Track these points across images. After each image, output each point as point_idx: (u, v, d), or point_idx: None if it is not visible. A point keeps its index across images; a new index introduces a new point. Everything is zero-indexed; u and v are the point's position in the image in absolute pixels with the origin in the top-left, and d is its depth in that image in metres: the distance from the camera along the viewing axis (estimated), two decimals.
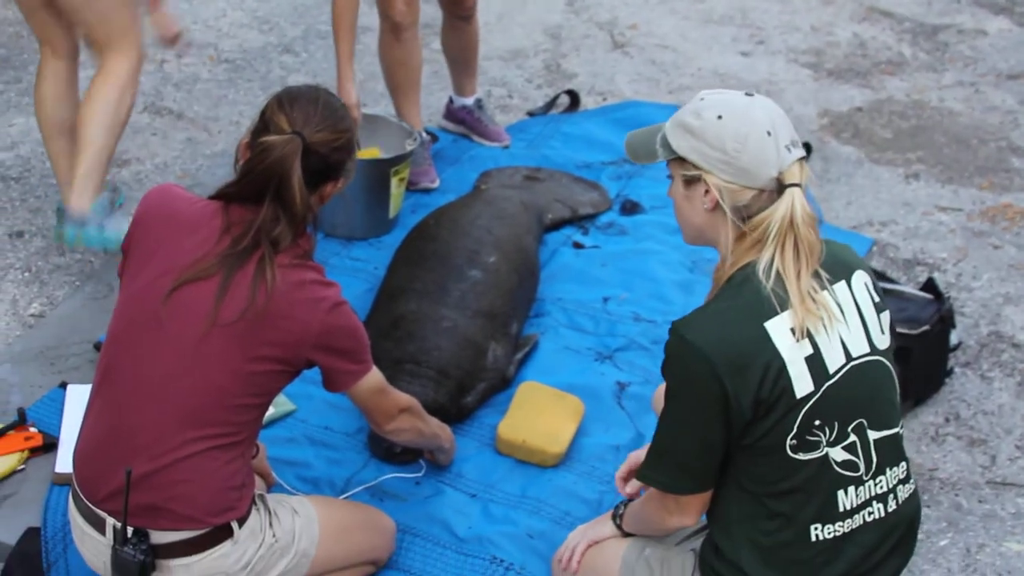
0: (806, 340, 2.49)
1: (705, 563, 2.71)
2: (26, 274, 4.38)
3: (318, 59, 5.84)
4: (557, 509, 3.47)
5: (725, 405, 2.48)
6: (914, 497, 2.74)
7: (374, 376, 2.93)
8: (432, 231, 4.21)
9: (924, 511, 3.58)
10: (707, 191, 2.55)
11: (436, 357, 3.71)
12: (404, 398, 3.10)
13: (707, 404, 2.49)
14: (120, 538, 2.70)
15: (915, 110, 5.72)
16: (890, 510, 2.66)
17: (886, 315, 2.67)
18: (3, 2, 6.17)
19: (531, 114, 5.54)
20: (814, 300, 2.51)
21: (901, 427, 2.69)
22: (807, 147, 5.27)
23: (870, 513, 2.63)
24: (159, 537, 2.72)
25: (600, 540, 2.98)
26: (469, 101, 5.26)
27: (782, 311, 2.48)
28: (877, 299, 2.66)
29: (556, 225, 4.66)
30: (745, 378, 2.46)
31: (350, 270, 4.35)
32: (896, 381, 2.69)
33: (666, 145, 2.61)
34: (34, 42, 5.78)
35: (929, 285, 4.16)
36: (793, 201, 2.51)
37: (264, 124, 2.75)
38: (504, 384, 3.87)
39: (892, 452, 2.65)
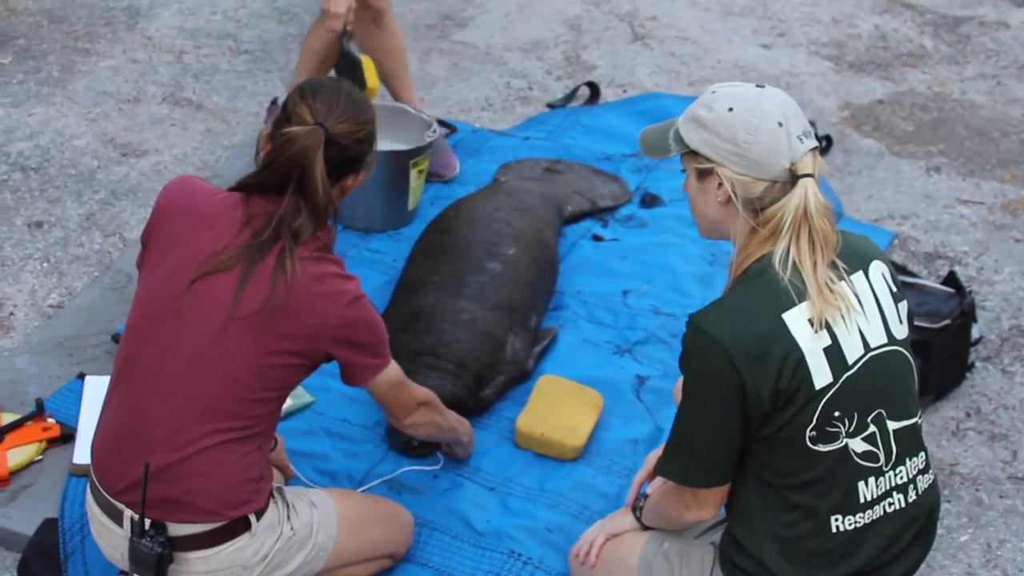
0: (824, 331, 2.49)
1: (725, 556, 2.70)
2: (45, 264, 4.38)
3: None
4: (576, 503, 3.46)
5: (743, 397, 2.47)
6: (934, 487, 2.73)
7: (393, 370, 2.92)
8: (451, 223, 4.20)
9: (945, 506, 3.57)
10: (720, 184, 2.55)
11: (455, 350, 3.70)
12: (422, 392, 3.09)
13: (725, 396, 2.49)
14: (138, 530, 2.70)
15: (937, 102, 5.69)
16: (910, 500, 2.65)
17: (904, 305, 2.67)
18: None
19: (551, 106, 5.53)
20: (832, 291, 2.51)
21: (920, 417, 2.68)
22: (827, 140, 5.25)
23: (890, 504, 2.62)
24: (177, 529, 2.71)
25: (619, 533, 2.97)
26: None
27: (800, 302, 2.48)
28: (895, 289, 2.66)
29: (576, 217, 4.65)
30: (763, 369, 2.46)
31: (368, 262, 4.34)
32: (915, 371, 2.69)
33: (679, 139, 2.61)
34: (54, 32, 5.81)
35: (950, 279, 4.14)
36: (807, 191, 2.50)
37: (286, 115, 2.74)
38: (523, 377, 3.86)
39: (911, 442, 2.65)
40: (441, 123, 4.98)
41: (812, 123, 5.22)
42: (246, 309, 2.65)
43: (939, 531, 3.44)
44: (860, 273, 2.60)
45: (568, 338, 4.05)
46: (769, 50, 6.09)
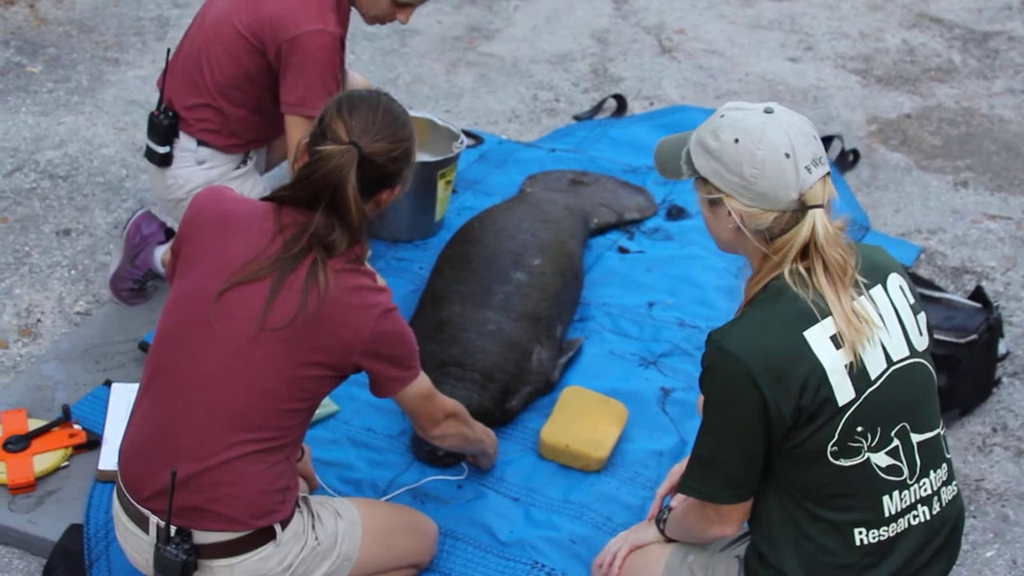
0: (843, 349, 2.49)
1: (750, 570, 2.70)
2: (72, 272, 4.40)
3: (364, 60, 5.85)
4: (599, 514, 3.45)
5: (765, 413, 2.47)
6: (958, 499, 2.73)
7: (422, 382, 2.92)
8: (476, 234, 4.21)
9: (970, 522, 3.56)
10: (729, 212, 2.54)
11: (481, 360, 3.70)
12: (450, 403, 3.09)
13: (747, 413, 2.49)
14: (163, 537, 2.71)
15: (964, 117, 5.68)
16: (935, 513, 2.65)
17: (923, 316, 2.67)
18: (53, 3, 6.21)
19: (578, 118, 5.53)
20: (858, 316, 2.50)
21: (942, 428, 2.68)
22: (855, 154, 5.24)
23: (915, 517, 2.62)
24: (202, 537, 2.72)
25: (642, 545, 2.97)
26: None
27: (822, 319, 2.48)
28: (913, 300, 2.65)
29: (602, 229, 4.65)
30: (786, 387, 2.46)
31: (395, 270, 4.35)
32: (935, 381, 2.68)
33: (690, 162, 2.60)
34: (83, 41, 5.84)
35: (977, 294, 4.12)
36: (815, 223, 2.50)
37: (322, 130, 2.74)
38: (548, 388, 3.86)
39: (935, 454, 2.65)
40: (468, 134, 4.98)
41: (837, 137, 5.23)
42: (276, 321, 2.65)
43: (964, 547, 3.44)
44: (879, 287, 2.60)
45: (593, 350, 4.05)
46: (797, 64, 6.08)
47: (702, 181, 2.58)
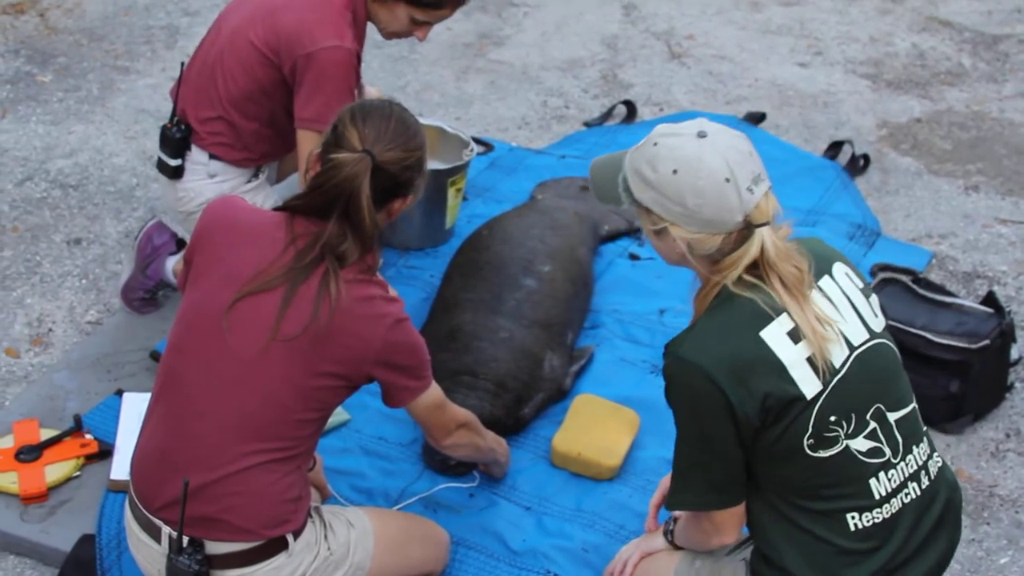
0: (804, 342, 2.52)
1: (756, 573, 2.72)
2: (83, 281, 4.40)
3: (374, 68, 5.85)
4: (612, 523, 3.45)
5: (732, 415, 2.50)
6: (946, 469, 2.76)
7: (434, 392, 2.92)
8: (485, 241, 4.21)
9: (984, 528, 3.55)
10: (675, 239, 2.56)
11: (494, 369, 3.70)
12: (462, 413, 3.09)
13: (714, 416, 2.52)
14: (175, 547, 2.71)
15: (975, 121, 5.67)
16: (924, 487, 2.68)
17: (874, 298, 2.71)
18: (63, 12, 6.22)
19: (587, 124, 5.53)
20: (821, 321, 2.54)
21: (915, 403, 2.71)
22: (865, 158, 5.23)
23: (907, 495, 2.65)
24: (214, 547, 2.72)
25: (653, 552, 2.99)
26: None
27: (776, 316, 2.51)
28: (862, 285, 2.69)
29: (612, 236, 4.65)
30: (748, 387, 2.49)
31: (406, 278, 4.35)
32: (900, 359, 2.71)
33: (628, 191, 2.61)
34: (94, 50, 5.85)
35: (989, 299, 4.11)
36: (764, 242, 2.52)
37: (335, 138, 2.73)
38: (561, 395, 3.85)
39: (913, 429, 2.68)
40: (478, 141, 4.98)
41: (848, 142, 5.22)
42: (289, 331, 2.65)
43: (979, 553, 3.44)
44: (826, 277, 2.63)
45: (604, 357, 4.05)
46: (806, 68, 6.07)
47: (645, 210, 2.59)
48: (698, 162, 2.50)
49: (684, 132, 2.56)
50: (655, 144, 2.56)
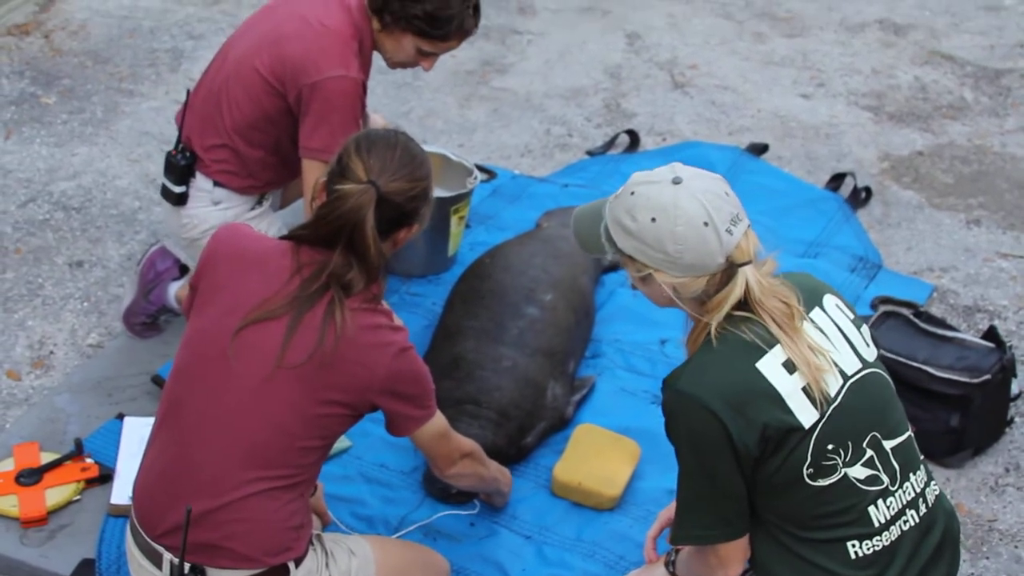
0: (798, 372, 2.54)
1: None
2: (85, 304, 4.41)
3: (377, 94, 5.86)
4: (612, 553, 3.45)
5: (732, 447, 2.52)
6: (943, 498, 2.79)
7: (438, 421, 2.92)
8: (487, 269, 4.21)
9: (983, 563, 3.55)
10: (661, 284, 2.58)
11: (497, 398, 3.70)
12: (467, 443, 3.09)
13: (716, 448, 2.53)
14: (177, 574, 2.71)
15: (977, 155, 5.68)
16: (923, 514, 2.70)
17: (865, 329, 2.74)
18: (68, 34, 6.24)
19: (590, 153, 5.54)
20: (814, 351, 2.57)
21: (910, 431, 2.73)
22: (867, 191, 5.24)
23: (906, 522, 2.67)
24: (216, 575, 2.72)
25: None
26: None
27: (769, 349, 2.54)
28: (852, 316, 2.73)
29: (614, 266, 4.65)
30: (747, 418, 2.51)
31: (408, 306, 4.35)
32: (893, 387, 2.74)
33: (611, 240, 2.64)
34: (98, 72, 5.86)
35: (990, 333, 4.12)
36: (748, 281, 2.56)
37: (340, 169, 2.74)
38: (562, 424, 3.85)
39: (910, 457, 2.70)
40: (481, 169, 4.99)
41: (850, 174, 5.23)
42: (294, 359, 2.66)
43: None
44: (817, 309, 2.66)
45: (606, 387, 4.05)
46: (809, 100, 6.09)
47: (629, 259, 2.63)
48: (675, 208, 2.53)
49: (659, 179, 2.59)
50: (632, 193, 2.60)
